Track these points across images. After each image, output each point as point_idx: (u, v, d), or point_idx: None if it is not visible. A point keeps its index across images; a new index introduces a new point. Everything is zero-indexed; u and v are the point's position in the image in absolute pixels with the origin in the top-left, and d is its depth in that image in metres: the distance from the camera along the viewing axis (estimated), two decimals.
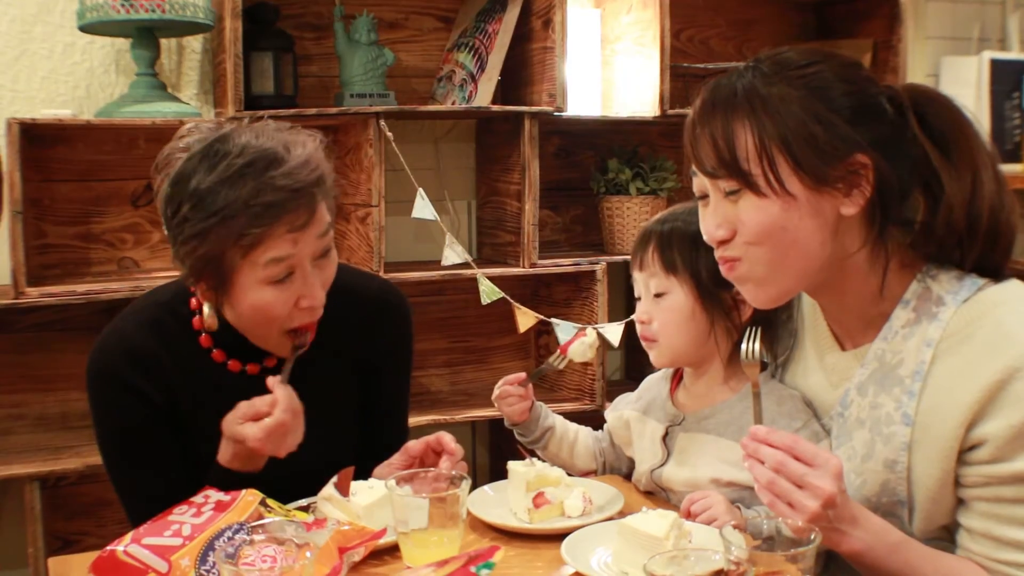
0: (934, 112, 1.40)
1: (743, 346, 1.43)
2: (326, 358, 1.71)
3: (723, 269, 1.42)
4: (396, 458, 1.67)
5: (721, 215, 1.38)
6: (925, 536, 1.36)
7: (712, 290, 1.59)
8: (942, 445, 1.32)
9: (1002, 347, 1.29)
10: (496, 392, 1.79)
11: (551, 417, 1.82)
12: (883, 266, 1.40)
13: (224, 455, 1.57)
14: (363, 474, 1.60)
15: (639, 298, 1.68)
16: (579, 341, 1.75)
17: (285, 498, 1.51)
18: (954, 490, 1.34)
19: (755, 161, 1.33)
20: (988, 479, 1.30)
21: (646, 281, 1.65)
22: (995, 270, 1.40)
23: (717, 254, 1.42)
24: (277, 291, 1.52)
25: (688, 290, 1.61)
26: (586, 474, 1.82)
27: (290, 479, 1.54)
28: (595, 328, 2.87)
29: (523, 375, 1.78)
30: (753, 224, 1.35)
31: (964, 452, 1.31)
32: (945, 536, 1.38)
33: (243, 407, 1.54)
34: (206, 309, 1.62)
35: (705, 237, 1.42)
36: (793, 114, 1.32)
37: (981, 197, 1.37)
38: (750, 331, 1.44)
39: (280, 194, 1.47)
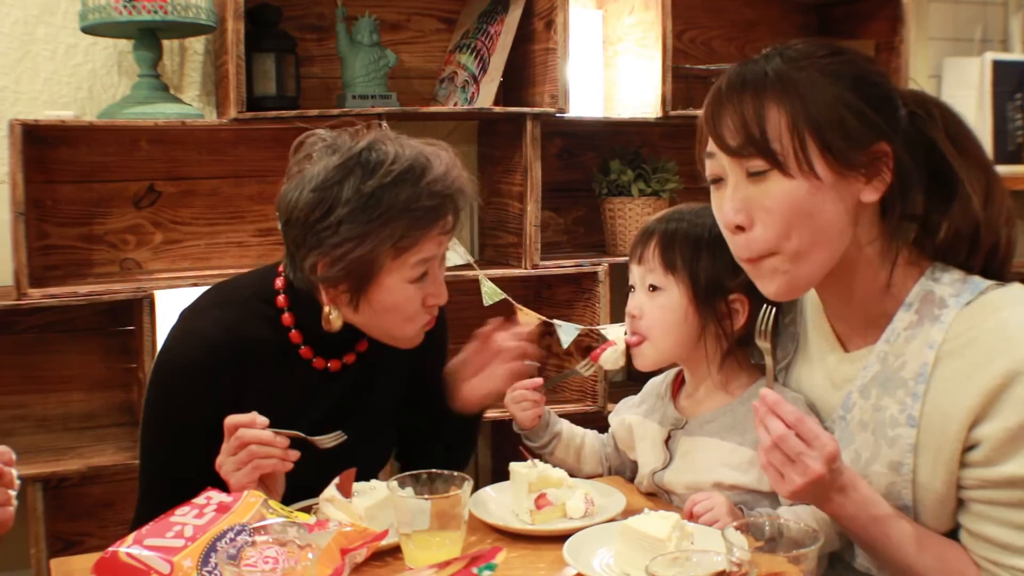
0: (940, 115, 1.43)
1: (759, 318, 1.44)
2: (391, 360, 1.78)
3: (741, 256, 1.41)
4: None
5: (740, 199, 1.38)
6: None
7: (708, 295, 1.59)
8: (946, 447, 1.32)
9: (1004, 350, 1.29)
10: (510, 395, 1.79)
11: (559, 423, 1.82)
12: (892, 260, 1.41)
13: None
14: (363, 475, 1.60)
15: (632, 288, 1.68)
16: (611, 349, 1.76)
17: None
18: (956, 492, 1.34)
19: (787, 141, 1.34)
20: (983, 482, 1.31)
21: (643, 275, 1.65)
22: (996, 274, 1.41)
23: (736, 240, 1.40)
24: (415, 289, 1.62)
25: (684, 291, 1.61)
26: (590, 477, 1.81)
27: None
28: (609, 328, 2.87)
29: (540, 380, 1.78)
30: (778, 206, 1.35)
31: (963, 453, 1.32)
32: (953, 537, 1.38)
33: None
34: (329, 311, 1.65)
35: (722, 222, 1.42)
36: (823, 98, 1.34)
37: (999, 198, 1.40)
38: (766, 308, 1.44)
39: (436, 199, 1.58)
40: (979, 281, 1.38)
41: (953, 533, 1.37)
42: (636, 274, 1.67)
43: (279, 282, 1.71)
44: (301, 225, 1.58)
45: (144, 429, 1.70)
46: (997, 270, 1.41)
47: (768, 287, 1.41)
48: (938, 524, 1.36)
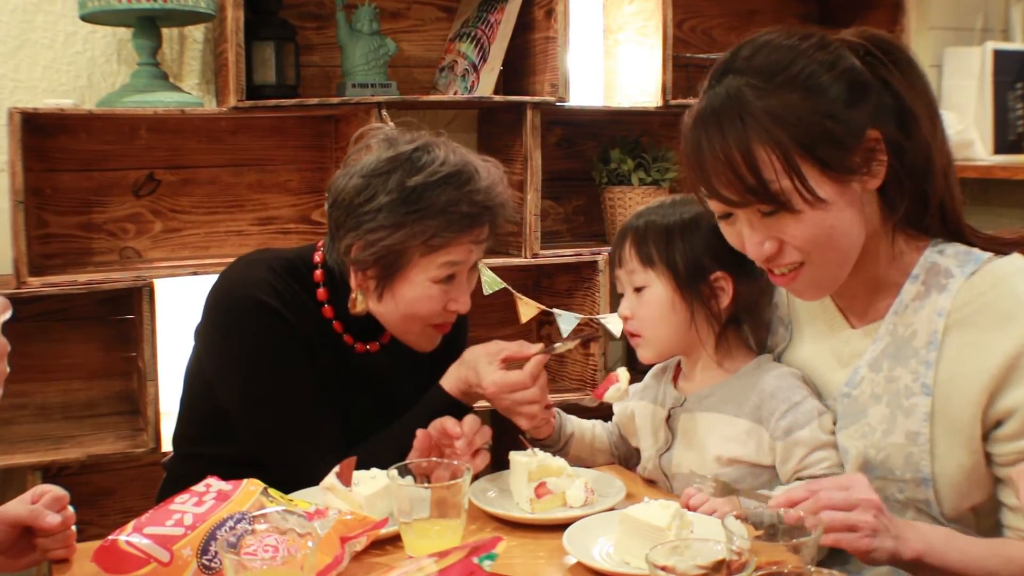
0: (895, 58, 1.39)
1: None
2: (411, 358, 1.83)
3: (780, 280, 1.41)
4: (412, 456, 1.67)
5: (763, 232, 1.37)
6: (952, 519, 1.37)
7: (690, 280, 1.60)
8: (965, 415, 1.33)
9: (1018, 317, 1.30)
10: None
11: (569, 423, 1.83)
12: (892, 226, 1.41)
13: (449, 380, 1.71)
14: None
15: (622, 294, 1.69)
16: (614, 387, 1.76)
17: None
18: (987, 469, 1.35)
19: (786, 182, 1.31)
20: (1022, 455, 1.31)
21: (627, 278, 1.67)
22: (956, 234, 1.40)
23: (772, 268, 1.41)
24: (438, 290, 1.68)
25: (666, 282, 1.62)
26: (590, 465, 1.82)
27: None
28: (608, 318, 2.87)
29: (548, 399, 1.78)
30: (800, 237, 1.35)
31: (991, 429, 1.32)
32: (971, 519, 1.38)
33: (510, 348, 1.68)
34: (356, 295, 1.72)
35: (752, 257, 1.41)
36: (803, 119, 1.31)
37: (945, 145, 1.39)
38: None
39: (475, 208, 1.65)
40: (979, 253, 1.39)
41: (975, 513, 1.38)
42: (622, 279, 1.69)
43: (317, 257, 1.79)
44: (345, 207, 1.66)
45: (241, 376, 1.72)
46: (955, 229, 1.41)
47: (804, 294, 1.44)
48: (958, 499, 1.37)
